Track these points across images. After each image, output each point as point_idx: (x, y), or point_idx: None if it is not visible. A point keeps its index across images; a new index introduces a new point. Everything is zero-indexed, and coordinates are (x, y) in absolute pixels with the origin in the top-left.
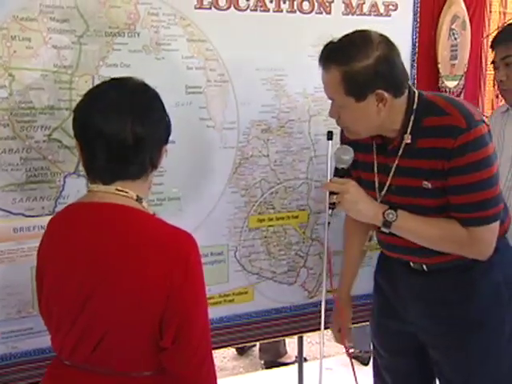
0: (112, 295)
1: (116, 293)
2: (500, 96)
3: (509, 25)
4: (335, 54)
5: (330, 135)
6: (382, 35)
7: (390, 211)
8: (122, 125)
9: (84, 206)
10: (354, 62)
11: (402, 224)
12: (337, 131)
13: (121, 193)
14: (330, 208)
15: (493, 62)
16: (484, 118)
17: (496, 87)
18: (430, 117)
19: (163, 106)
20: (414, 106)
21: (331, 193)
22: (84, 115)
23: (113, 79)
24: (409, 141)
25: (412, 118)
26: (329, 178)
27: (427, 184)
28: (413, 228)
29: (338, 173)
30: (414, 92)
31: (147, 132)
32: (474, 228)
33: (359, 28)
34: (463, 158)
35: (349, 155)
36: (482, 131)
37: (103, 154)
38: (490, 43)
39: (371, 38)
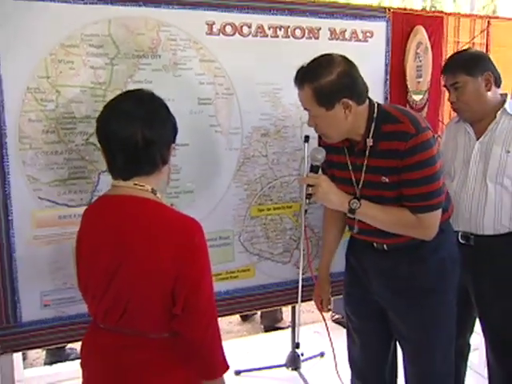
0: (132, 272)
1: (135, 270)
2: None
3: (455, 54)
4: (305, 75)
5: (306, 139)
6: (341, 56)
7: (354, 200)
8: (133, 130)
9: (110, 198)
10: (320, 79)
11: (364, 211)
12: (314, 135)
13: (138, 186)
14: (306, 198)
15: (444, 85)
16: (429, 125)
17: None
18: (387, 124)
19: (168, 111)
20: (375, 115)
21: (308, 185)
22: (103, 124)
23: (126, 92)
24: (371, 144)
25: (373, 124)
26: (305, 174)
27: (385, 179)
28: (372, 214)
29: (313, 169)
30: (374, 104)
31: (156, 134)
32: (421, 214)
33: (342, 51)
34: (413, 158)
35: (321, 154)
36: (427, 136)
37: (120, 156)
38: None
39: (333, 58)
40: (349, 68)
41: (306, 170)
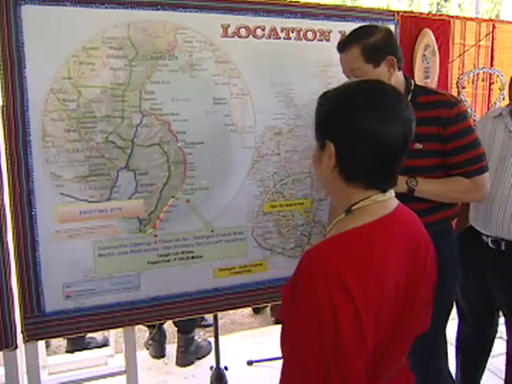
0: None
1: None
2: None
3: None
4: (353, 37)
5: None
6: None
7: (411, 179)
8: None
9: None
10: (368, 38)
11: (422, 188)
12: None
13: None
14: None
15: None
16: None
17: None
18: (424, 95)
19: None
20: (412, 87)
21: None
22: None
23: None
24: None
25: (410, 95)
26: None
27: (419, 145)
28: (431, 189)
29: None
30: (410, 79)
31: None
32: (476, 177)
33: None
34: (459, 125)
35: None
36: (465, 107)
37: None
38: None
39: (377, 25)
40: (391, 33)
41: None
